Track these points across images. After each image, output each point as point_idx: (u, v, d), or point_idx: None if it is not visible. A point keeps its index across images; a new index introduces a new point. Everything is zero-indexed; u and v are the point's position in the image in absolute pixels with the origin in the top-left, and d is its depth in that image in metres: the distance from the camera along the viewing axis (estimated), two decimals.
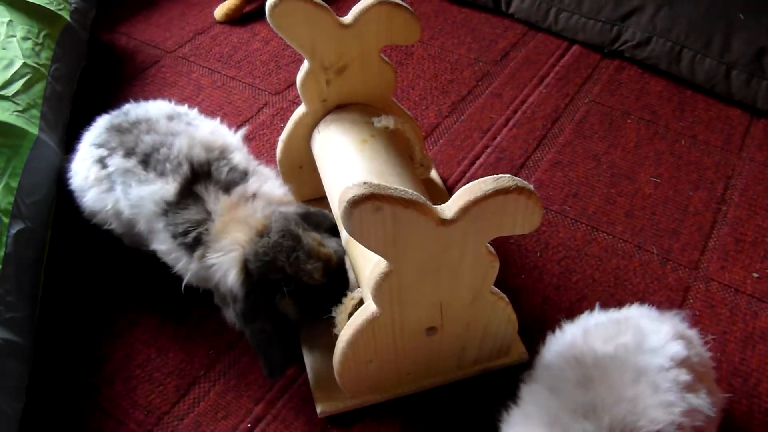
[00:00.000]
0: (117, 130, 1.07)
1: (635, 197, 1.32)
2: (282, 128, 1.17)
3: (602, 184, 1.35)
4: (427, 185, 1.28)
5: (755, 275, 1.18)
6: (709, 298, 1.15)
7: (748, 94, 1.49)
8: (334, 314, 0.94)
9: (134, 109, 1.13)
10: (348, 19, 1.02)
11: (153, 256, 1.06)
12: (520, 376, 0.89)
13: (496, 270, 0.85)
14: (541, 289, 1.16)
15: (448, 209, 0.75)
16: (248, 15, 1.84)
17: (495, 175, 0.73)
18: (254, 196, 0.99)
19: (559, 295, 1.15)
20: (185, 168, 0.99)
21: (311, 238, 0.93)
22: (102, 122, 1.12)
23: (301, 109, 1.12)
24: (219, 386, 1.04)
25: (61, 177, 1.17)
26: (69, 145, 1.23)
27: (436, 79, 1.62)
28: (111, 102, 1.48)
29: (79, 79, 1.52)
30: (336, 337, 0.91)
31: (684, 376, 0.76)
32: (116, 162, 1.03)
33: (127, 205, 1.03)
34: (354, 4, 1.03)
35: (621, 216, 1.28)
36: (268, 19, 0.98)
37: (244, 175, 1.02)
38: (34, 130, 1.19)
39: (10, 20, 1.32)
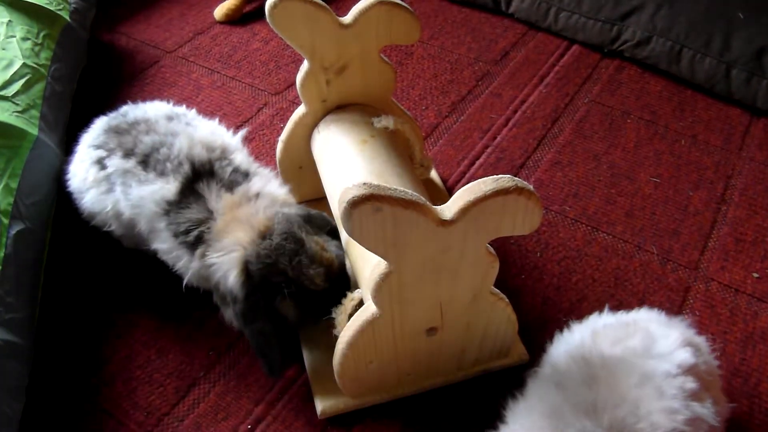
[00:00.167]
0: (115, 131, 1.07)
1: (635, 197, 1.32)
2: (282, 128, 1.17)
3: (602, 184, 1.35)
4: (427, 185, 1.28)
5: (755, 275, 1.18)
6: (709, 298, 1.15)
7: (748, 93, 1.49)
8: (333, 315, 0.94)
9: (132, 111, 1.13)
10: (348, 19, 1.02)
11: (153, 256, 1.06)
12: (525, 373, 0.89)
13: (496, 270, 0.85)
14: (541, 290, 1.16)
15: (448, 210, 0.75)
16: (248, 15, 1.83)
17: (495, 176, 0.73)
18: (257, 195, 0.99)
19: (559, 296, 1.15)
20: (186, 167, 0.99)
21: (314, 242, 0.93)
22: (100, 124, 1.12)
23: (300, 110, 1.12)
24: (219, 387, 1.04)
25: (60, 177, 1.17)
26: (69, 145, 1.23)
27: (436, 79, 1.62)
28: (111, 102, 1.48)
29: (79, 80, 1.52)
30: (336, 337, 0.91)
31: (690, 384, 0.75)
32: (115, 163, 1.03)
33: (128, 206, 1.02)
34: (354, 4, 1.03)
35: (621, 216, 1.28)
36: (267, 19, 0.98)
37: (246, 176, 1.02)
38: (34, 131, 1.18)
39: (9, 20, 1.32)
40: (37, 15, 1.39)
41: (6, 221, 1.04)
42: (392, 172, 0.99)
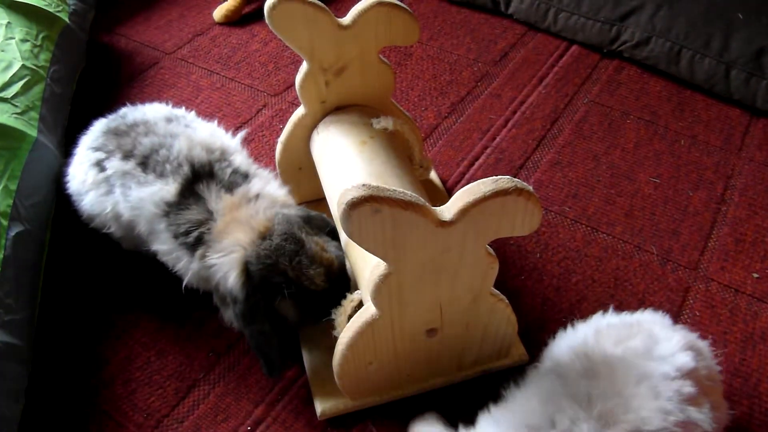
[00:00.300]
0: (114, 133, 1.07)
1: (635, 198, 1.32)
2: (281, 130, 1.16)
3: (602, 184, 1.35)
4: (427, 186, 1.28)
5: (755, 275, 1.18)
6: (709, 298, 1.14)
7: (748, 93, 1.49)
8: (333, 316, 0.93)
9: (131, 113, 1.13)
10: (347, 20, 1.02)
11: (152, 258, 1.06)
12: (526, 367, 0.90)
13: (495, 271, 0.85)
14: (540, 290, 1.16)
15: (448, 211, 0.75)
16: (247, 16, 1.84)
17: (494, 176, 0.73)
18: (257, 196, 0.99)
19: (559, 296, 1.15)
20: (185, 169, 0.99)
21: (314, 242, 0.93)
22: (99, 126, 1.12)
23: (300, 111, 1.12)
24: (218, 389, 1.04)
25: (60, 179, 1.17)
26: (68, 147, 1.23)
27: (435, 80, 1.62)
28: (110, 103, 1.48)
29: (78, 81, 1.52)
30: (335, 339, 0.91)
31: (688, 388, 0.76)
32: (114, 165, 1.03)
33: (127, 207, 1.02)
34: (352, 5, 1.03)
35: (621, 216, 1.28)
36: (266, 20, 0.98)
37: (246, 177, 1.02)
38: (33, 132, 1.18)
39: (8, 22, 1.32)
40: (36, 17, 1.39)
41: (5, 223, 1.04)
42: (391, 173, 0.99)
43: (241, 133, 1.13)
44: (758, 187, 1.33)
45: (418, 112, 1.53)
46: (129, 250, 1.17)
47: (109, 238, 1.13)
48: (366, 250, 0.75)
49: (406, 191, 0.72)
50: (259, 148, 1.44)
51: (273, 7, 0.96)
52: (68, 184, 1.12)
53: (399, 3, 1.02)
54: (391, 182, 0.97)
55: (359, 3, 1.02)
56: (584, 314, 1.12)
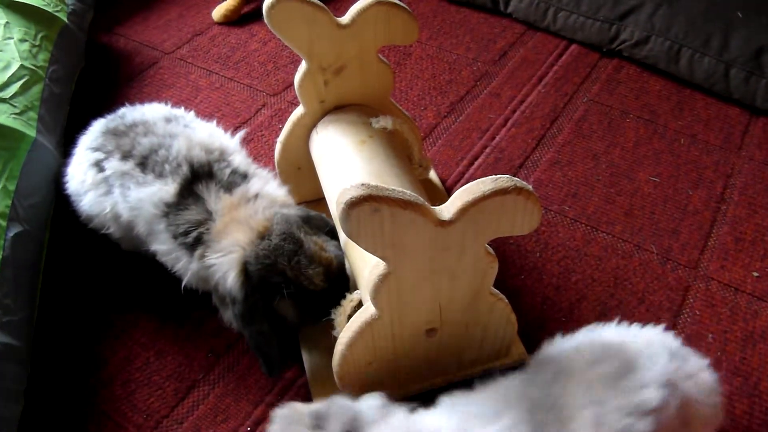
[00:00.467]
0: (113, 133, 1.07)
1: (635, 197, 1.32)
2: (280, 129, 1.16)
3: (601, 183, 1.35)
4: (426, 186, 1.27)
5: (755, 274, 1.18)
6: (709, 297, 1.14)
7: (747, 92, 1.49)
8: (333, 316, 0.93)
9: (130, 113, 1.12)
10: (345, 19, 1.02)
11: (151, 258, 1.06)
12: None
13: (495, 270, 0.85)
14: (540, 290, 1.16)
15: (447, 210, 0.75)
16: (246, 16, 1.83)
17: (493, 176, 0.73)
18: (256, 196, 0.99)
19: (558, 295, 1.15)
20: (185, 169, 0.99)
21: (313, 242, 0.93)
22: (98, 126, 1.12)
23: (299, 110, 1.12)
24: (218, 389, 1.04)
25: (58, 179, 1.17)
26: (67, 147, 1.22)
27: (435, 79, 1.61)
28: (109, 104, 1.48)
29: (77, 81, 1.52)
30: (335, 339, 0.91)
31: (642, 425, 0.72)
32: (113, 165, 1.03)
33: (126, 208, 1.02)
34: (351, 4, 1.02)
35: (620, 215, 1.28)
36: (265, 19, 0.98)
37: (245, 177, 1.02)
38: (32, 133, 1.18)
39: (7, 22, 1.32)
40: (34, 17, 1.39)
41: (4, 223, 1.04)
42: (391, 172, 0.99)
43: (240, 133, 1.13)
44: (758, 186, 1.33)
45: (417, 111, 1.52)
46: (128, 251, 1.16)
47: (108, 238, 1.13)
48: (365, 249, 0.75)
49: (405, 190, 0.72)
50: (258, 148, 1.44)
51: (272, 7, 0.96)
52: (67, 185, 1.12)
53: (398, 2, 1.02)
54: (391, 182, 0.97)
55: (358, 2, 1.02)
56: (584, 313, 1.12)
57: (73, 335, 1.11)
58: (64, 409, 1.02)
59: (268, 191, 1.01)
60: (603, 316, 1.11)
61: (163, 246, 1.00)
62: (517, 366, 1.03)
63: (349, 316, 0.90)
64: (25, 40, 1.32)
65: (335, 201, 0.73)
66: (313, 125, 1.13)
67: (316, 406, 0.75)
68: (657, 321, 1.10)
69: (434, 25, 1.79)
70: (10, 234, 1.04)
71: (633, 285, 1.16)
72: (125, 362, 1.07)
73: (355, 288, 0.96)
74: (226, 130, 1.13)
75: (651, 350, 0.80)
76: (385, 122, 1.08)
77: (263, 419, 1.00)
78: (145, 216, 1.00)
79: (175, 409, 1.01)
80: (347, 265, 0.98)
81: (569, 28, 1.69)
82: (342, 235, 0.99)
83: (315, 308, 0.94)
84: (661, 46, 1.56)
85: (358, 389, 0.96)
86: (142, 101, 1.19)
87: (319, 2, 0.98)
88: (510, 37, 1.74)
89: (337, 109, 1.12)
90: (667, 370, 0.77)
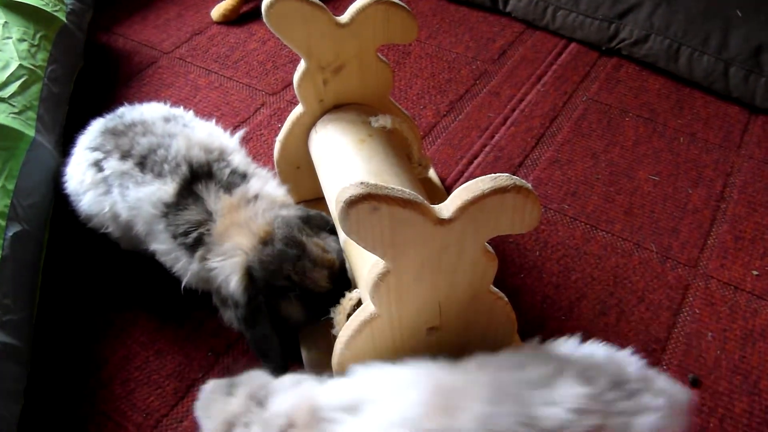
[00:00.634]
0: (112, 133, 1.07)
1: (634, 195, 1.32)
2: (279, 128, 1.16)
3: (601, 182, 1.35)
4: (425, 185, 1.27)
5: (755, 273, 1.18)
6: (708, 296, 1.14)
7: (747, 90, 1.49)
8: (332, 315, 0.93)
9: (129, 112, 1.12)
10: (345, 18, 1.02)
11: (150, 258, 1.05)
12: None
13: (494, 269, 0.85)
14: (540, 288, 1.16)
15: (446, 209, 0.74)
16: (245, 15, 1.83)
17: (493, 174, 0.73)
18: (256, 197, 0.99)
19: (558, 294, 1.15)
20: (184, 169, 0.99)
21: (314, 244, 0.94)
22: (96, 126, 1.12)
23: (298, 109, 1.12)
24: None
25: (57, 179, 1.17)
26: (65, 147, 1.22)
27: (434, 78, 1.61)
28: (108, 103, 1.48)
29: (76, 81, 1.52)
30: (334, 337, 0.91)
31: None
32: (112, 165, 1.03)
33: (125, 208, 1.02)
34: (350, 3, 1.02)
35: (620, 214, 1.28)
36: (264, 19, 0.98)
37: (244, 177, 1.02)
38: (31, 132, 1.18)
39: (5, 22, 1.32)
40: (33, 16, 1.39)
41: (3, 223, 1.04)
42: (390, 171, 0.99)
43: (240, 133, 1.13)
44: (757, 185, 1.33)
45: (416, 110, 1.52)
46: (127, 250, 1.16)
47: (107, 237, 1.13)
48: (364, 248, 0.75)
49: (404, 189, 0.72)
50: (258, 147, 1.43)
51: (270, 6, 0.96)
52: (66, 184, 1.12)
53: (397, 1, 1.02)
54: (390, 180, 0.97)
55: (357, 1, 1.02)
56: (584, 312, 1.12)
57: (73, 334, 1.11)
58: (63, 408, 1.01)
59: (268, 191, 1.01)
60: (603, 314, 1.11)
61: (162, 246, 1.00)
62: None
63: (349, 315, 0.90)
64: (24, 40, 1.32)
65: (334, 200, 0.73)
66: (313, 124, 1.13)
67: (234, 377, 0.82)
68: (656, 319, 1.11)
69: (433, 23, 1.79)
70: (10, 233, 1.04)
71: (633, 283, 1.16)
72: (125, 361, 1.07)
73: (356, 286, 0.96)
74: (225, 129, 1.13)
75: (590, 371, 0.74)
76: (384, 121, 1.08)
77: None
78: (144, 216, 1.00)
79: (174, 408, 1.01)
80: (347, 264, 0.98)
81: (568, 26, 1.69)
82: (341, 234, 0.99)
83: (318, 308, 0.94)
84: (660, 44, 1.56)
85: None
86: (141, 101, 1.19)
87: (318, 1, 0.98)
88: (509, 36, 1.74)
89: (336, 108, 1.12)
90: (592, 395, 0.71)
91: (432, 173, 1.34)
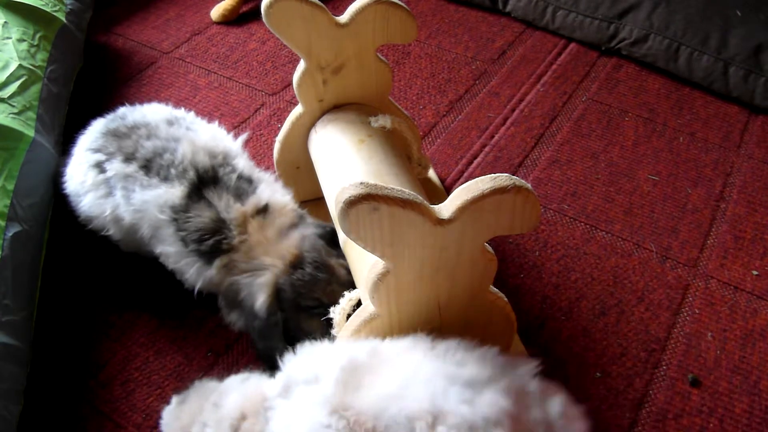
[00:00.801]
0: (114, 134, 1.07)
1: (634, 195, 1.32)
2: (279, 129, 1.16)
3: (601, 182, 1.35)
4: (425, 185, 1.27)
5: (755, 273, 1.18)
6: (708, 296, 1.14)
7: (746, 90, 1.49)
8: (332, 315, 0.93)
9: (131, 113, 1.12)
10: (344, 18, 1.02)
11: (151, 259, 1.05)
12: None
13: (494, 269, 0.85)
14: (540, 288, 1.16)
15: (446, 209, 0.75)
16: (245, 15, 1.83)
17: (492, 174, 0.73)
18: (266, 207, 1.00)
19: (558, 294, 1.15)
20: (191, 174, 0.99)
21: (341, 266, 0.97)
22: (98, 126, 1.11)
23: (297, 110, 1.12)
24: None
25: (57, 179, 1.17)
26: (65, 147, 1.22)
27: (434, 78, 1.61)
28: (107, 103, 1.48)
29: (76, 81, 1.52)
30: (334, 337, 0.91)
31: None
32: (115, 167, 1.02)
33: (130, 211, 1.02)
34: (350, 3, 1.02)
35: (620, 214, 1.28)
36: (263, 19, 0.98)
37: (250, 182, 1.02)
38: (30, 132, 1.18)
39: (5, 22, 1.32)
40: (32, 16, 1.39)
41: (3, 223, 1.03)
42: (389, 171, 0.99)
43: (243, 136, 1.13)
44: (757, 184, 1.33)
45: (416, 110, 1.52)
46: (128, 252, 1.16)
47: (107, 238, 1.12)
48: (363, 248, 0.75)
49: (404, 189, 0.72)
50: (258, 148, 1.43)
51: (270, 6, 0.96)
52: (66, 185, 1.12)
53: (397, 1, 1.02)
54: (389, 180, 0.97)
55: (357, 1, 1.02)
56: (583, 312, 1.12)
57: (73, 335, 1.11)
58: (63, 408, 1.01)
59: (277, 199, 1.02)
60: (602, 314, 1.11)
61: (170, 249, 1.00)
62: None
63: (349, 315, 0.90)
64: (24, 40, 1.32)
65: (334, 200, 0.73)
66: (312, 124, 1.13)
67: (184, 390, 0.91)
68: (656, 319, 1.11)
69: (433, 23, 1.79)
70: (9, 234, 1.04)
71: (632, 284, 1.16)
72: (124, 362, 1.07)
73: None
74: (225, 130, 1.12)
75: (522, 395, 0.74)
76: (383, 121, 1.08)
77: None
78: (150, 219, 1.00)
79: None
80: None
81: (568, 26, 1.69)
82: (341, 234, 0.99)
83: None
84: (659, 44, 1.56)
85: None
86: (140, 101, 1.19)
87: (317, 1, 0.98)
88: (509, 36, 1.74)
89: (335, 108, 1.12)
90: (512, 414, 0.70)
91: (432, 173, 1.34)
